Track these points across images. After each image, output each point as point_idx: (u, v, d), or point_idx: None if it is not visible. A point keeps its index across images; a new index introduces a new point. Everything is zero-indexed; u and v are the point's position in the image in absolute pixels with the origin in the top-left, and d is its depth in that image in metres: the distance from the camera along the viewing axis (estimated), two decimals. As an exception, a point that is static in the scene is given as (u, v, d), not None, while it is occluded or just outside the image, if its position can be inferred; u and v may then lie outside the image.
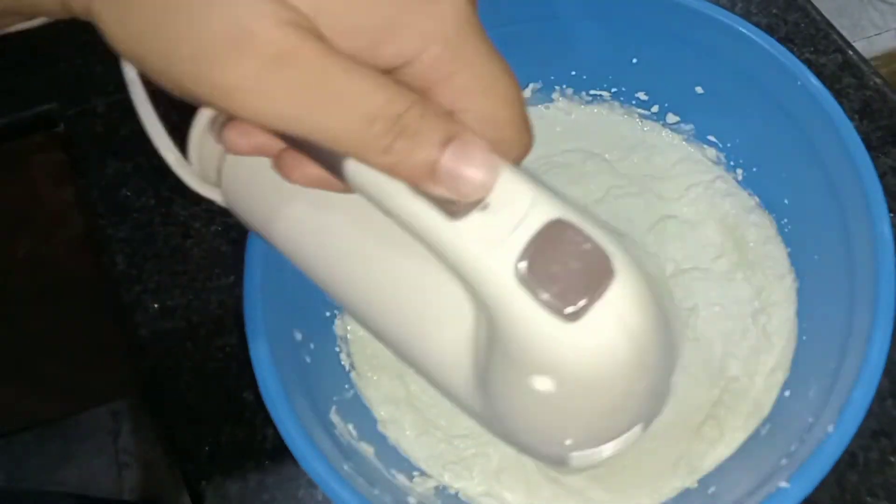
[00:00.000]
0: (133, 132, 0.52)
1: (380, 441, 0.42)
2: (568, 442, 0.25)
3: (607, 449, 0.25)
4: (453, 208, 0.20)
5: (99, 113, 0.53)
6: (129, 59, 0.20)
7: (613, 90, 0.50)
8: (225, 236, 0.49)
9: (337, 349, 0.44)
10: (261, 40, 0.18)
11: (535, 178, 0.21)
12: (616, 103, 0.51)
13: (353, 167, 0.21)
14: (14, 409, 0.91)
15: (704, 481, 0.41)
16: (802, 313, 0.44)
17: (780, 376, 0.42)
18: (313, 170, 0.22)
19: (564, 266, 0.20)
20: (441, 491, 0.41)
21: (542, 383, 0.22)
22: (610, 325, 0.21)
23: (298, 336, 0.40)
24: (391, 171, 0.20)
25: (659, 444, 0.42)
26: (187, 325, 0.46)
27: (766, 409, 0.42)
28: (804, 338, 0.43)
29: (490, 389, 0.25)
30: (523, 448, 0.27)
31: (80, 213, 0.55)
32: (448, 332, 0.26)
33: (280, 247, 0.29)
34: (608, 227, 0.22)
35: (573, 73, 0.50)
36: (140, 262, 0.48)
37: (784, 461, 0.36)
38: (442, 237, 0.21)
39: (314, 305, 0.43)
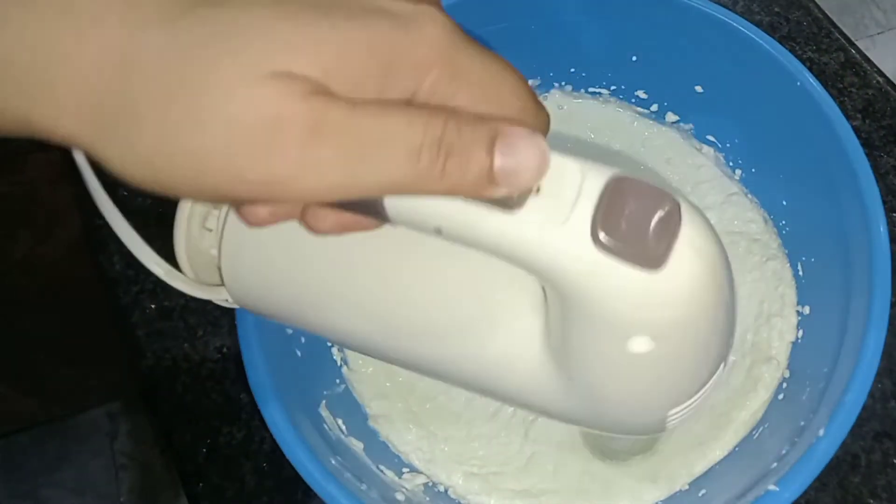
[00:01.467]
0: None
1: (370, 436, 0.42)
2: (666, 400, 0.25)
3: (698, 398, 0.25)
4: (509, 202, 0.20)
5: (96, 112, 0.53)
6: (146, 185, 0.19)
7: (613, 88, 0.50)
8: (222, 236, 0.48)
9: (329, 343, 0.44)
10: (291, 122, 0.18)
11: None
12: (615, 101, 0.50)
13: (392, 202, 0.21)
14: (11, 410, 0.91)
15: (696, 483, 0.41)
16: (799, 316, 0.43)
17: (775, 379, 0.42)
18: (342, 216, 0.22)
19: (637, 217, 0.20)
20: (430, 488, 0.41)
21: (640, 344, 0.22)
22: (693, 260, 0.21)
23: (289, 329, 0.40)
24: (452, 192, 0.19)
25: (654, 448, 0.42)
26: (185, 327, 0.46)
27: (759, 413, 0.42)
28: (800, 341, 0.43)
29: (575, 373, 0.24)
30: (615, 425, 0.27)
31: (77, 212, 0.55)
32: (503, 334, 0.26)
33: (306, 317, 0.28)
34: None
35: (572, 70, 0.49)
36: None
37: (774, 464, 0.36)
38: (505, 233, 0.21)
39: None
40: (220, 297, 0.29)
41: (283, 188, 0.18)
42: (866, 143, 0.50)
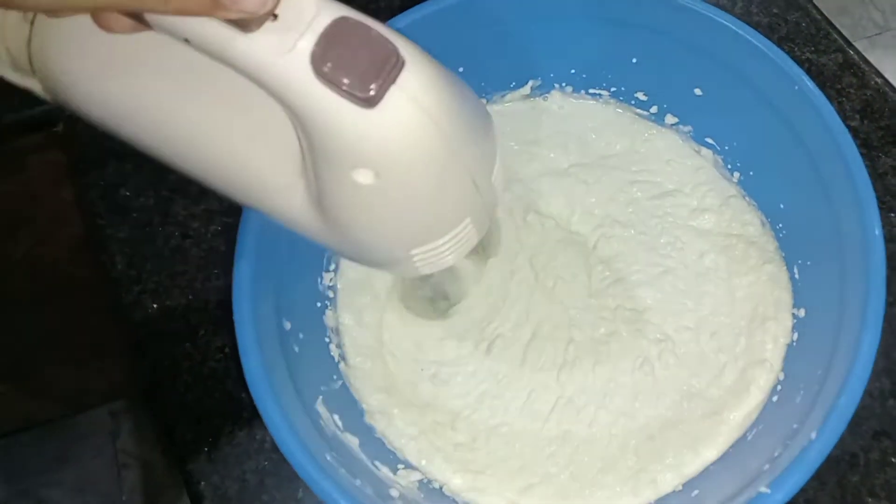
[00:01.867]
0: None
1: (365, 433, 0.42)
2: (403, 238, 0.27)
3: (443, 246, 0.28)
4: (245, 24, 0.22)
5: (98, 113, 0.53)
6: None
7: (613, 89, 0.50)
8: (224, 236, 0.49)
9: (326, 340, 0.44)
10: None
11: None
12: (615, 102, 0.50)
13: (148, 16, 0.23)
14: (13, 410, 0.91)
15: (689, 484, 0.41)
16: (795, 319, 0.44)
17: (770, 382, 0.42)
18: (126, 21, 0.24)
19: (357, 57, 0.22)
20: (425, 484, 0.41)
21: (363, 175, 0.24)
22: (406, 107, 0.23)
23: (287, 325, 0.40)
24: (180, 12, 0.21)
25: (645, 445, 0.42)
26: (186, 326, 0.46)
27: (753, 415, 0.42)
28: (795, 344, 0.43)
29: (323, 201, 0.26)
30: (369, 259, 0.29)
31: (79, 213, 0.55)
32: (273, 158, 0.28)
33: (102, 116, 0.30)
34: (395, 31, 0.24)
35: (573, 71, 0.50)
36: (139, 262, 0.48)
37: (767, 466, 0.36)
38: (238, 51, 0.22)
39: (305, 296, 0.44)
40: (36, 87, 0.30)
41: None
42: (864, 144, 0.51)
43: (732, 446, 0.41)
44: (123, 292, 0.48)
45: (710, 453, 0.41)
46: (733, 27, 0.42)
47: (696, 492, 0.40)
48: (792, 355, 0.42)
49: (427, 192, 0.26)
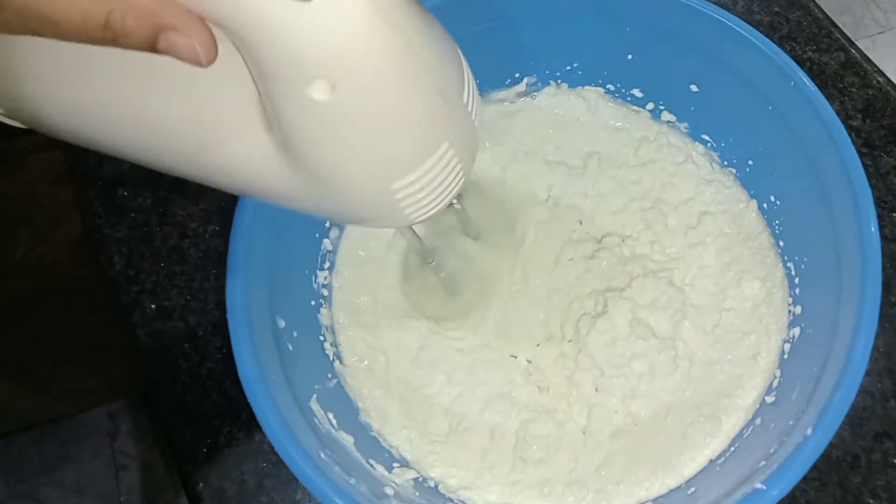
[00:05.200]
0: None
1: (360, 431, 0.42)
2: (379, 165, 0.25)
3: (426, 178, 0.26)
4: None
5: (96, 112, 0.53)
6: None
7: (608, 86, 0.50)
8: (222, 236, 0.48)
9: (321, 338, 0.44)
10: None
11: None
12: (611, 99, 0.50)
13: None
14: (11, 410, 0.91)
15: (686, 482, 0.41)
16: (791, 315, 0.43)
17: (766, 379, 0.42)
18: None
19: None
20: (420, 483, 0.41)
21: (318, 89, 0.22)
22: None
23: (282, 323, 0.40)
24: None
25: (641, 444, 0.42)
26: (185, 326, 0.46)
27: (750, 412, 0.42)
28: (791, 341, 0.43)
29: (287, 136, 0.25)
30: (353, 206, 0.27)
31: (77, 212, 0.55)
32: (228, 109, 0.26)
33: (50, 119, 0.29)
34: None
35: (568, 67, 0.49)
36: (138, 262, 0.48)
37: (762, 463, 0.36)
38: None
39: (299, 294, 0.44)
40: None
41: None
42: (867, 143, 0.50)
43: (729, 444, 0.41)
44: (122, 293, 0.47)
45: (707, 451, 0.41)
46: (728, 23, 0.42)
47: (692, 489, 0.40)
48: (788, 352, 0.42)
49: (389, 102, 0.24)
